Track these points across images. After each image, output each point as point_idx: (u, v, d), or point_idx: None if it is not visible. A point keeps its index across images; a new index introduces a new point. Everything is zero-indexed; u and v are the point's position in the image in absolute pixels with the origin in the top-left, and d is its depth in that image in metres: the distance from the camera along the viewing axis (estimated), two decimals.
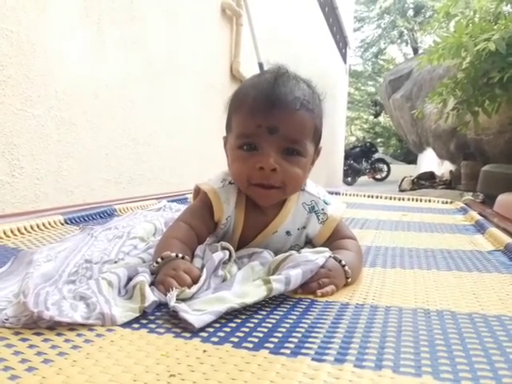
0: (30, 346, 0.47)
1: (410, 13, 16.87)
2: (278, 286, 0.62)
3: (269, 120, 0.74)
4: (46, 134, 1.45)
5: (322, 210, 0.87)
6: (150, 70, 2.05)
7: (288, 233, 0.86)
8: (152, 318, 0.57)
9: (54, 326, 0.52)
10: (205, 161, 2.55)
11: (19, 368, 0.42)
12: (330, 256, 0.72)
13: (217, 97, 2.61)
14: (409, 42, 17.70)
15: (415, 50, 16.30)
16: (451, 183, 6.33)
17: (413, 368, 0.44)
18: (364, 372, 0.43)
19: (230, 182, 0.85)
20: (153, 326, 0.54)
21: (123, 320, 0.55)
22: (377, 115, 18.25)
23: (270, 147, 0.75)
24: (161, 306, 0.60)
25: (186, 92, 2.40)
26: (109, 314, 0.55)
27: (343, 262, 0.72)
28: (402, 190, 6.82)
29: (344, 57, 9.38)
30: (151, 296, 0.60)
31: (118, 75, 1.83)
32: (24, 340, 0.49)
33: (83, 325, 0.53)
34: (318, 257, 0.70)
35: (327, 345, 0.49)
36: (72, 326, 0.52)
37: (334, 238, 0.86)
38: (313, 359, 0.45)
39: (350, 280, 0.73)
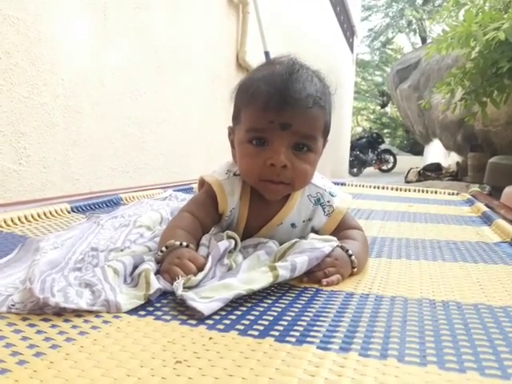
0: (38, 332, 0.48)
1: (419, 1, 16.64)
2: (283, 273, 0.62)
3: (282, 117, 0.73)
4: (52, 123, 1.46)
5: (328, 202, 0.86)
6: (156, 59, 2.04)
7: (293, 225, 0.86)
8: (158, 305, 0.57)
9: (61, 313, 0.53)
10: (210, 151, 2.55)
11: (27, 353, 0.43)
12: (336, 245, 0.72)
13: (223, 86, 2.60)
14: (417, 31, 17.49)
15: (424, 40, 16.11)
16: (458, 175, 6.29)
17: (418, 357, 0.44)
18: (369, 361, 0.43)
19: (234, 174, 0.85)
20: (159, 313, 0.55)
21: (128, 307, 0.55)
22: (384, 106, 18.12)
23: (281, 142, 0.74)
24: (166, 293, 0.61)
25: (192, 81, 2.39)
26: (113, 300, 0.55)
27: (350, 252, 0.72)
28: (407, 182, 6.78)
29: (351, 46, 9.30)
30: (156, 283, 0.60)
31: (124, 64, 1.82)
32: (32, 326, 0.49)
33: (90, 311, 0.53)
34: (325, 245, 0.70)
35: (332, 333, 0.49)
36: (79, 313, 0.53)
37: (340, 229, 0.86)
38: (318, 347, 0.46)
39: (355, 270, 0.73)
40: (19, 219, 1.01)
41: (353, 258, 0.72)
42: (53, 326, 0.49)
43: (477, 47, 3.40)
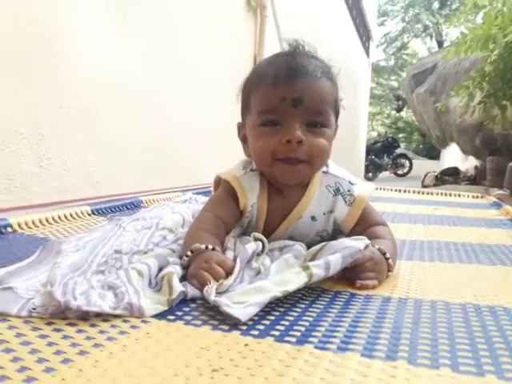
0: (64, 337, 0.46)
1: (435, 5, 16.51)
2: (317, 272, 0.59)
3: (293, 91, 0.72)
4: (72, 125, 1.45)
5: (348, 191, 0.83)
6: (174, 61, 2.03)
7: (313, 218, 0.82)
8: (187, 309, 0.55)
9: (86, 317, 0.50)
10: (228, 154, 2.51)
11: (54, 360, 0.40)
12: (372, 245, 0.68)
13: None
14: (433, 35, 17.34)
15: (440, 44, 15.97)
16: (476, 179, 6.19)
17: (473, 367, 0.40)
18: (420, 370, 0.40)
19: (251, 169, 0.83)
20: (188, 317, 0.52)
21: (151, 312, 0.53)
22: (399, 110, 17.96)
23: (294, 121, 0.73)
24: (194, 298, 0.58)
25: (210, 83, 2.38)
26: (137, 304, 0.52)
27: (387, 255, 0.68)
28: (424, 186, 6.69)
29: (367, 51, 9.25)
30: (178, 287, 0.57)
31: (144, 65, 1.81)
32: (57, 330, 0.47)
33: (117, 316, 0.51)
34: (358, 242, 0.67)
35: (375, 340, 0.46)
36: (105, 317, 0.51)
37: (366, 224, 0.82)
38: (362, 355, 0.42)
39: (390, 273, 0.69)
40: (40, 221, 0.99)
41: (390, 261, 0.68)
42: (79, 331, 0.47)
43: (496, 50, 3.36)
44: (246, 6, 2.70)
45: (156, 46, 1.89)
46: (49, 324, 0.49)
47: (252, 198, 0.80)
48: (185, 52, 2.11)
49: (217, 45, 2.40)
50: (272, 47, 2.86)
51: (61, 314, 0.50)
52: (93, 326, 0.49)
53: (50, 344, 0.44)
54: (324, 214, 0.83)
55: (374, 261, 0.66)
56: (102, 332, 0.47)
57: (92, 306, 0.51)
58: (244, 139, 0.83)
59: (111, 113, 1.64)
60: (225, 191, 0.83)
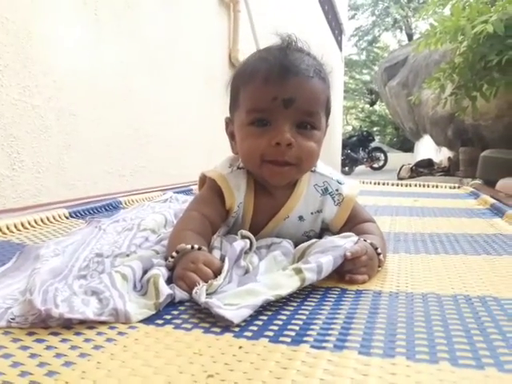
0: (48, 348, 0.43)
1: None
2: (310, 276, 0.58)
3: (285, 90, 0.69)
4: (45, 126, 1.40)
5: (337, 190, 0.82)
6: (149, 59, 1.99)
7: (301, 218, 0.81)
8: (175, 312, 0.53)
9: (69, 325, 0.48)
10: (207, 151, 2.50)
11: (38, 373, 0.38)
12: (364, 240, 0.68)
13: (216, 85, 2.55)
14: (403, 28, 17.57)
15: (410, 37, 16.18)
16: (450, 170, 6.29)
17: (472, 360, 0.40)
18: (420, 366, 0.39)
19: (238, 167, 0.80)
20: (178, 321, 0.50)
21: (138, 318, 0.50)
22: (372, 104, 18.14)
23: (285, 121, 0.70)
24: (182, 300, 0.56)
25: (186, 81, 2.34)
26: (122, 310, 0.50)
27: (379, 250, 0.68)
28: (400, 178, 6.77)
29: (340, 44, 9.29)
30: (165, 290, 0.55)
31: (117, 64, 1.77)
32: (40, 341, 0.45)
33: (102, 322, 0.49)
34: (346, 241, 0.66)
35: (371, 337, 0.45)
36: (90, 324, 0.48)
37: (354, 222, 0.81)
38: (360, 353, 0.41)
39: (380, 269, 0.69)
40: (15, 226, 0.96)
41: (381, 256, 0.68)
42: (63, 341, 0.45)
43: (465, 41, 3.41)
44: (219, 1, 2.67)
45: (129, 45, 1.85)
46: (30, 334, 0.46)
47: (239, 197, 0.79)
48: (158, 50, 2.07)
49: (190, 42, 2.37)
50: (246, 42, 2.84)
51: (42, 323, 0.48)
52: (77, 334, 0.46)
53: (32, 356, 0.41)
54: (312, 213, 0.82)
55: (369, 255, 0.65)
56: (87, 340, 0.45)
57: (75, 313, 0.48)
58: (232, 135, 0.81)
59: (86, 113, 1.59)
60: (210, 190, 0.80)
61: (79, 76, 1.56)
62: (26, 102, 1.33)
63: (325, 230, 0.86)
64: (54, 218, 1.05)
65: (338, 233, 0.79)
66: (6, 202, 1.24)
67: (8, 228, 0.94)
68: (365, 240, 0.68)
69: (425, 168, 6.93)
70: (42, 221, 1.02)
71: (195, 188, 1.57)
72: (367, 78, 18.67)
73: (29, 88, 1.34)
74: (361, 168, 11.79)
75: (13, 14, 1.27)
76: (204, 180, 0.85)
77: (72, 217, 1.10)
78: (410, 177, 6.63)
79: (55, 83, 1.44)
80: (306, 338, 0.45)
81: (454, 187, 2.05)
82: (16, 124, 1.29)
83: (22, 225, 0.97)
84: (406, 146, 13.49)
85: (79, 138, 1.56)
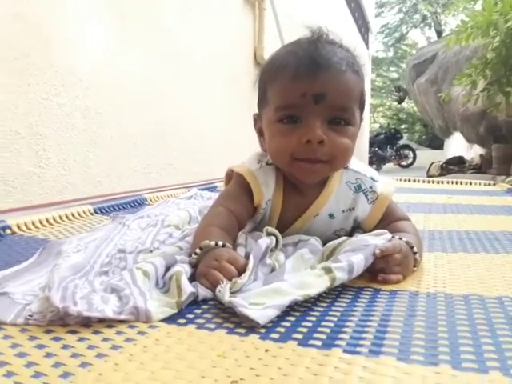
0: (64, 347, 0.41)
1: None
2: (340, 275, 0.54)
3: (315, 86, 0.65)
4: (71, 124, 1.40)
5: (371, 187, 0.77)
6: (173, 58, 1.98)
7: (331, 216, 0.77)
8: (198, 311, 0.50)
9: (88, 323, 0.46)
10: (231, 149, 2.47)
11: (53, 374, 0.36)
12: (399, 238, 0.64)
13: (241, 84, 2.53)
14: (432, 25, 17.21)
15: (439, 33, 15.84)
16: (481, 167, 6.11)
17: None
18: (467, 376, 0.35)
19: (267, 163, 0.77)
20: (201, 320, 0.48)
21: (159, 316, 0.48)
22: (400, 101, 17.81)
23: (315, 118, 0.66)
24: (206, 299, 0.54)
25: (210, 80, 2.33)
26: (143, 308, 0.48)
27: (415, 249, 0.63)
28: (430, 176, 6.61)
29: (366, 42, 9.15)
30: (188, 288, 0.52)
31: (142, 63, 1.76)
32: (57, 339, 0.43)
33: (122, 321, 0.47)
34: (379, 239, 0.62)
35: (410, 342, 0.41)
36: (109, 323, 0.46)
37: (388, 221, 0.77)
38: (398, 359, 0.38)
39: (415, 269, 0.64)
40: (40, 222, 0.95)
41: (417, 256, 0.63)
42: (80, 340, 0.43)
43: (498, 36, 3.30)
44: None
45: (154, 43, 1.84)
46: (47, 332, 0.45)
47: (267, 194, 0.75)
48: (183, 50, 2.05)
49: (215, 41, 2.35)
50: (272, 41, 2.80)
51: (60, 321, 0.46)
52: (96, 332, 0.44)
53: (48, 355, 0.40)
54: (343, 211, 0.78)
55: (403, 254, 0.61)
56: (105, 340, 0.43)
57: (94, 311, 0.46)
58: (260, 132, 0.77)
59: (111, 111, 1.59)
60: (238, 185, 0.77)
61: (104, 75, 1.56)
62: (52, 100, 1.33)
63: (356, 228, 0.82)
64: (78, 214, 1.05)
65: (371, 231, 0.75)
66: (32, 199, 1.25)
67: (33, 224, 0.94)
68: (400, 238, 0.64)
69: (455, 165, 6.76)
70: (66, 217, 1.01)
71: (220, 185, 1.55)
72: (395, 75, 18.37)
73: (55, 87, 1.34)
74: (388, 166, 11.59)
75: (39, 15, 1.27)
76: (231, 175, 0.82)
77: (97, 213, 1.09)
78: (440, 174, 6.47)
79: (81, 82, 1.44)
80: (338, 342, 0.41)
81: (489, 184, 1.97)
82: (43, 122, 1.30)
83: (47, 221, 0.97)
84: (435, 144, 13.19)
85: (105, 135, 1.55)
